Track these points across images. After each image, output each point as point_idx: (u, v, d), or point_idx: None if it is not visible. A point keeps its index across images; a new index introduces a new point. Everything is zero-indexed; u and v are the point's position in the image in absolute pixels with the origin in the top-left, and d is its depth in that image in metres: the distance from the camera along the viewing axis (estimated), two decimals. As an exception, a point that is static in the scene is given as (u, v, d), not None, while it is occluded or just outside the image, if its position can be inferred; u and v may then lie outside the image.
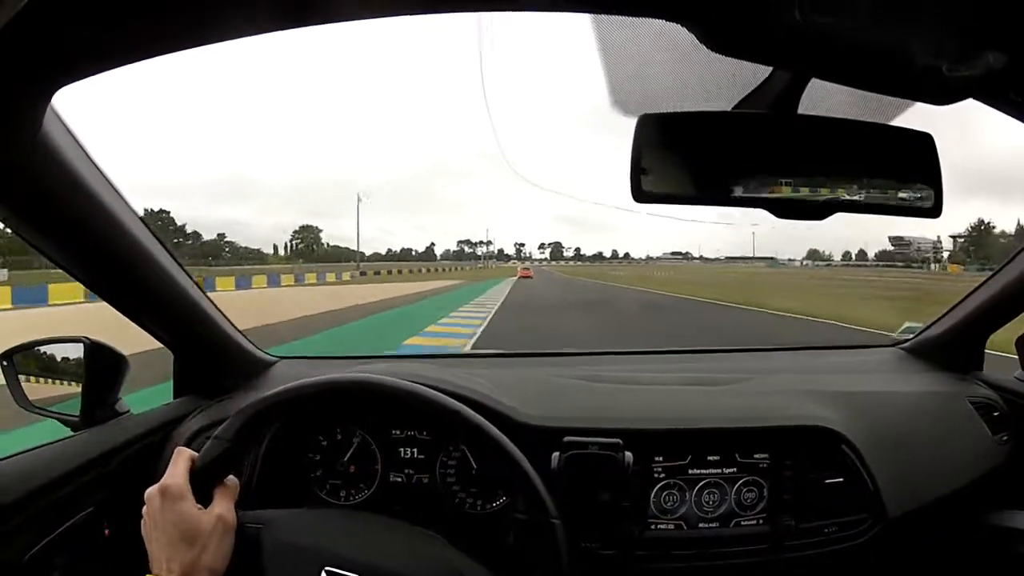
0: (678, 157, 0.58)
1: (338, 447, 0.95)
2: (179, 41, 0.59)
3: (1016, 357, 1.10)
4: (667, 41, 0.55)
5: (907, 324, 1.33)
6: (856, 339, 8.28)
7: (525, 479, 0.62)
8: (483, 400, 0.86)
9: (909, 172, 0.63)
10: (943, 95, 0.64)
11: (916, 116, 0.67)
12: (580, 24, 0.55)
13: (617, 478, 0.80)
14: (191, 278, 0.90)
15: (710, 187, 0.59)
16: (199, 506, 0.59)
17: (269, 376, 1.11)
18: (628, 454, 0.82)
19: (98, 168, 0.73)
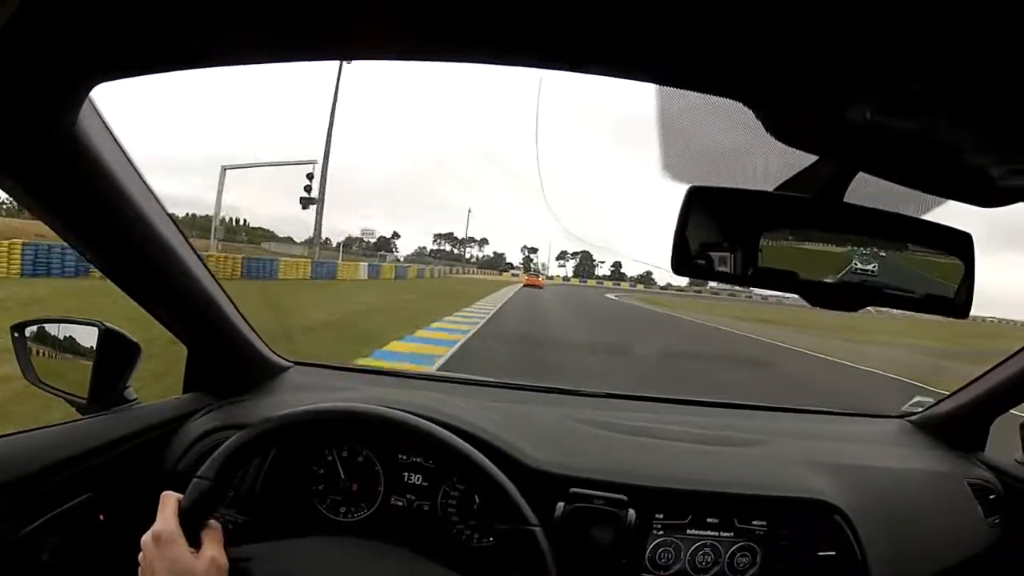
0: (721, 233, 0.58)
1: (342, 464, 0.95)
2: (222, 58, 0.59)
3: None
4: (725, 116, 0.55)
5: (917, 398, 1.35)
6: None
7: (499, 490, 0.62)
8: (489, 439, 0.86)
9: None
10: (991, 199, 0.64)
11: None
12: (641, 91, 0.55)
13: (618, 535, 0.81)
14: (213, 277, 0.90)
15: (748, 266, 0.59)
16: (192, 550, 0.59)
17: (281, 381, 1.11)
18: (631, 511, 0.82)
19: (131, 163, 0.73)
